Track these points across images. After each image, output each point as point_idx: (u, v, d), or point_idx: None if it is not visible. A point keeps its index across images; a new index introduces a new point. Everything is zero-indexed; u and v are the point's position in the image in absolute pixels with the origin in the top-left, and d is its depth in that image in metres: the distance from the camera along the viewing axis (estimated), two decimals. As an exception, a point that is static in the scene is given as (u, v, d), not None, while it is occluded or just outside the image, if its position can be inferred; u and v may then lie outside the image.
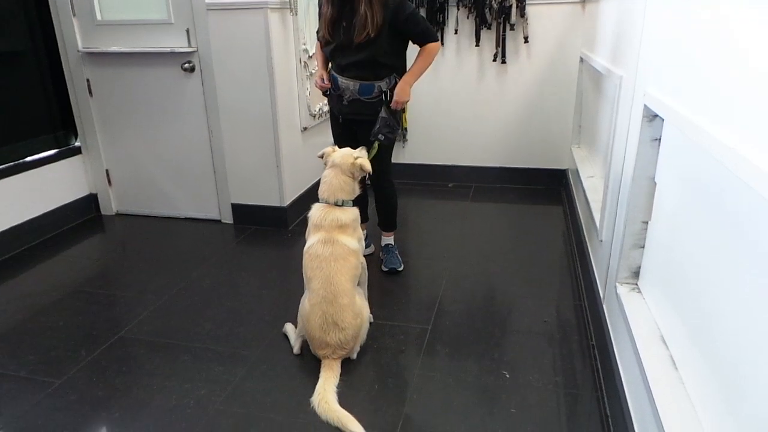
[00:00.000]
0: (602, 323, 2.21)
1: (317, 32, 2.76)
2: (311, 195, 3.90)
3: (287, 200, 3.59)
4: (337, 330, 2.07)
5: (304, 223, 3.65)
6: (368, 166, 2.35)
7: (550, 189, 4.30)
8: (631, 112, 2.02)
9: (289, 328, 2.37)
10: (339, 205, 2.26)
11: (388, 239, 3.07)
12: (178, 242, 3.48)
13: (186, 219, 3.80)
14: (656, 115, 1.75)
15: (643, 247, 1.93)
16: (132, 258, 3.28)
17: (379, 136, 2.63)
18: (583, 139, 3.96)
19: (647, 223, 1.90)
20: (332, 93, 2.77)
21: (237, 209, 3.66)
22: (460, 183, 4.45)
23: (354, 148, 2.46)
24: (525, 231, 3.62)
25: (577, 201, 3.52)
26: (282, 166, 3.46)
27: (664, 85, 1.67)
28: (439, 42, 2.74)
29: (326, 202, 2.27)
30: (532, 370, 2.15)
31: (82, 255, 3.35)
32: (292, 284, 2.86)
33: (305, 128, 3.77)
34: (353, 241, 2.24)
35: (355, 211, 2.30)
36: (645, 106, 1.78)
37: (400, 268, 2.96)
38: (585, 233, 2.97)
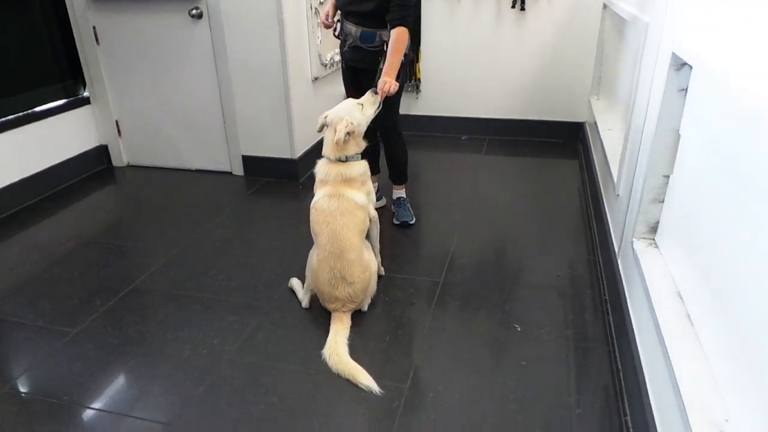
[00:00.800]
0: (616, 278, 2.18)
1: None
2: (321, 147, 3.86)
3: (298, 152, 3.55)
4: (345, 284, 2.06)
5: (314, 176, 3.70)
6: (342, 132, 2.21)
7: (567, 143, 4.20)
8: (657, 60, 1.93)
9: (294, 283, 2.37)
10: (343, 161, 2.21)
11: (399, 192, 3.04)
12: (190, 194, 3.47)
13: (197, 171, 3.78)
14: (684, 64, 1.66)
15: (663, 201, 1.88)
16: (144, 210, 3.28)
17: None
18: (603, 90, 3.84)
19: (668, 177, 1.84)
20: (338, 36, 2.71)
21: (248, 161, 3.63)
22: (473, 135, 4.36)
23: (358, 97, 2.39)
24: (539, 185, 3.55)
25: (594, 155, 3.43)
26: (292, 117, 3.40)
27: (693, 31, 1.57)
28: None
29: (329, 158, 2.22)
30: (544, 324, 2.15)
31: (94, 206, 3.36)
32: (303, 237, 2.84)
33: (316, 78, 3.68)
34: (360, 195, 2.20)
35: (362, 165, 2.25)
36: (673, 54, 1.68)
37: (412, 222, 2.94)
38: (601, 187, 2.90)
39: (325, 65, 3.76)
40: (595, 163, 3.29)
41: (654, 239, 1.93)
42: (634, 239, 1.95)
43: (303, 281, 2.32)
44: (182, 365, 1.96)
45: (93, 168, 3.81)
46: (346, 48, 2.67)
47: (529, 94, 4.18)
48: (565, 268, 2.54)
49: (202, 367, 1.96)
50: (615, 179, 2.44)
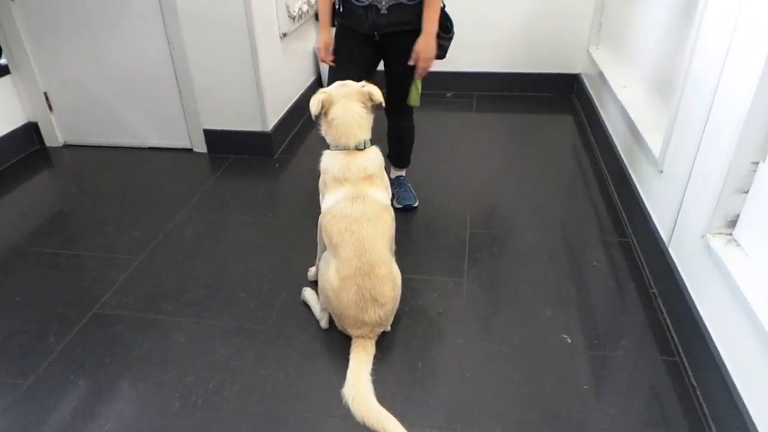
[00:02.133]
0: (670, 272, 1.91)
1: None
2: (296, 115, 3.39)
3: (270, 123, 3.06)
4: (376, 306, 1.70)
5: (292, 149, 3.27)
6: (379, 95, 1.86)
7: (559, 97, 3.86)
8: (736, 22, 1.57)
9: (308, 295, 1.98)
10: (361, 149, 1.79)
11: (398, 171, 2.64)
12: (146, 179, 2.95)
13: (150, 149, 3.23)
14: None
15: (747, 192, 1.58)
16: (93, 202, 2.74)
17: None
18: (606, 39, 3.48)
19: (757, 164, 1.54)
20: (357, 4, 2.10)
21: (211, 136, 3.11)
22: (459, 92, 3.95)
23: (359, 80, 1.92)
24: (540, 147, 3.21)
25: (602, 114, 3.11)
26: (262, 83, 2.89)
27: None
28: None
29: (345, 148, 1.79)
30: (594, 330, 1.87)
31: (30, 202, 2.80)
32: (292, 229, 2.45)
33: (285, 34, 3.14)
34: (383, 193, 1.81)
35: (379, 155, 1.85)
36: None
37: (416, 204, 2.57)
38: (625, 158, 2.59)
39: (293, 18, 3.22)
40: (607, 125, 2.97)
41: (732, 235, 1.65)
42: (708, 235, 1.66)
43: (317, 291, 1.93)
44: (173, 423, 1.57)
45: (21, 151, 3.19)
46: (382, 11, 2.08)
47: (519, 44, 3.77)
48: (599, 255, 2.25)
49: (199, 422, 1.57)
50: (656, 153, 2.13)
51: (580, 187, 2.76)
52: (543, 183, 2.81)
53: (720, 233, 1.65)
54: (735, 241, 1.62)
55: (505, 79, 3.89)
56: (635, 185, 2.37)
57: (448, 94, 3.93)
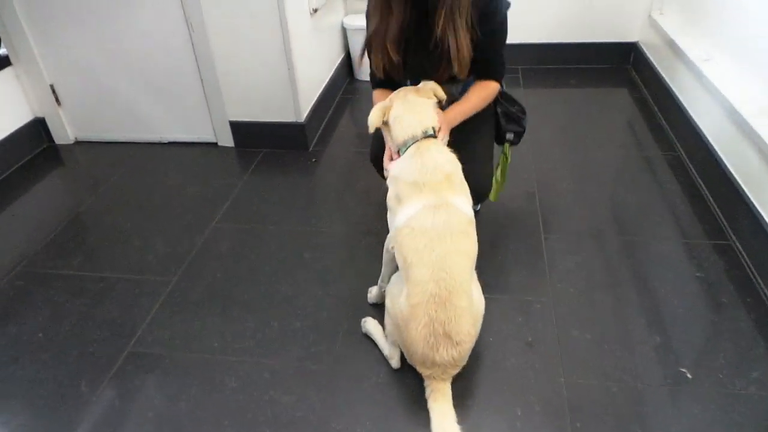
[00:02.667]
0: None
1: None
2: (328, 100, 3.05)
3: (304, 113, 2.74)
4: (449, 345, 1.40)
5: (326, 140, 2.95)
6: (441, 92, 1.62)
7: (614, 69, 3.50)
8: None
9: (372, 327, 1.71)
10: (431, 135, 1.52)
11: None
12: (169, 180, 2.65)
13: (170, 144, 2.92)
14: None
15: None
16: (113, 210, 2.45)
17: (507, 135, 1.95)
18: (671, 3, 3.09)
19: None
20: None
21: (238, 128, 2.79)
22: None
23: None
24: (601, 129, 2.88)
25: (675, 90, 2.76)
26: (295, 68, 2.55)
27: None
28: None
29: (413, 140, 1.51)
30: (714, 362, 1.59)
31: (42, 209, 2.52)
32: (342, 239, 2.16)
33: (315, 9, 2.79)
34: (466, 200, 1.50)
35: (452, 154, 1.55)
36: None
37: (478, 208, 2.26)
38: (718, 147, 2.25)
39: (324, -10, 2.86)
40: (685, 105, 2.62)
41: None
42: None
43: (382, 322, 1.66)
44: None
45: (29, 151, 2.89)
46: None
47: (567, 11, 3.39)
48: (700, 262, 1.95)
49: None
50: (774, 143, 1.81)
51: (658, 178, 2.44)
52: (615, 172, 2.49)
53: None
54: None
55: (554, 50, 3.52)
56: (737, 181, 2.06)
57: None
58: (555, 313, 1.77)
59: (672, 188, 2.36)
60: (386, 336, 1.61)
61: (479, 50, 1.64)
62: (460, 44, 1.59)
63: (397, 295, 1.49)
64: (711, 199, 2.25)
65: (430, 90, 1.61)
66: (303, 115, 2.72)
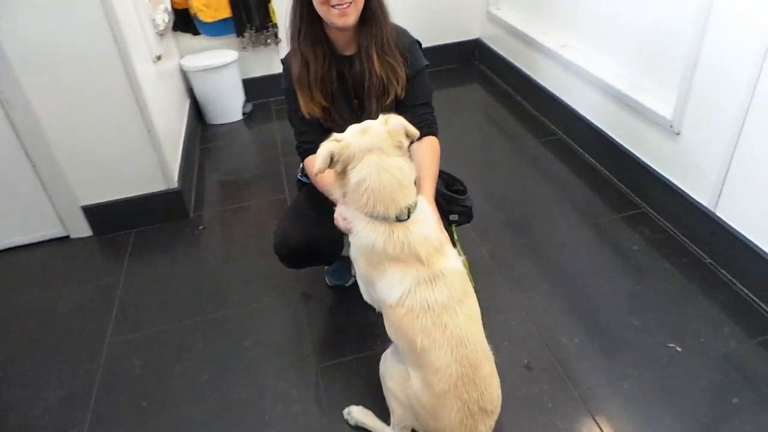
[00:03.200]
0: (728, 236, 1.76)
1: (297, 119, 1.56)
2: (191, 154, 2.65)
3: (175, 176, 2.34)
4: (486, 417, 1.24)
5: (204, 200, 2.50)
6: (413, 129, 1.29)
7: (464, 66, 3.61)
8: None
9: (361, 416, 1.47)
10: (403, 220, 1.23)
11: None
12: (24, 297, 2.06)
13: (6, 251, 2.29)
14: None
15: None
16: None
17: (451, 216, 1.63)
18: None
19: None
20: None
21: (94, 213, 2.28)
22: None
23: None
24: (473, 127, 2.95)
25: (538, 79, 2.89)
26: (155, 126, 2.15)
27: None
28: None
29: (385, 218, 1.22)
30: (689, 328, 1.65)
31: None
32: (278, 307, 1.87)
33: (159, 56, 2.40)
34: (453, 253, 1.32)
35: (433, 212, 1.34)
36: None
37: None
38: (603, 126, 2.37)
39: (161, 34, 2.48)
40: (553, 91, 2.75)
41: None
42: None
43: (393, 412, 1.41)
44: None
45: None
46: None
47: (410, 19, 3.40)
48: (629, 236, 2.04)
49: None
50: (667, 114, 1.95)
51: (547, 165, 2.53)
52: (503, 170, 2.54)
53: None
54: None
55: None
56: (632, 153, 2.19)
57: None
58: (561, 368, 1.63)
59: (565, 172, 2.46)
60: (394, 422, 1.37)
61: (409, 99, 1.54)
62: (396, 61, 1.48)
63: (404, 379, 1.28)
64: (607, 173, 2.38)
65: (402, 131, 1.25)
66: (174, 179, 2.32)
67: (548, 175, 2.46)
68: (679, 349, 1.59)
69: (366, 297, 1.39)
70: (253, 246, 2.18)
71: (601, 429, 1.41)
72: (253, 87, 3.28)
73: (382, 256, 1.23)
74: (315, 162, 1.24)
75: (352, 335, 1.75)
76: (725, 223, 1.80)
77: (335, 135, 1.26)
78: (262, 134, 3.09)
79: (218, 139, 3.05)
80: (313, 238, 1.56)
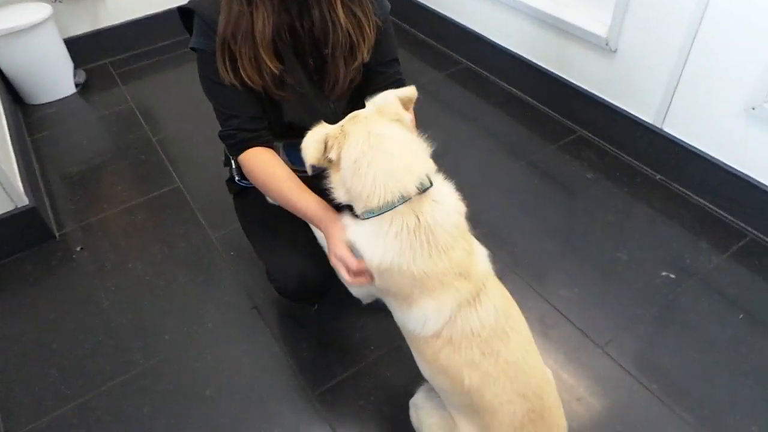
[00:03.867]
0: (676, 151, 1.78)
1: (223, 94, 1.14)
2: (25, 154, 1.94)
3: (20, 186, 1.71)
4: None
5: (69, 213, 1.88)
6: (406, 91, 1.04)
7: None
8: None
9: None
10: (427, 189, 0.94)
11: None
12: None
13: None
14: None
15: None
16: None
17: None
18: None
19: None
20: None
21: None
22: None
23: None
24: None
25: (446, 13, 2.63)
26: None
27: None
28: None
29: (401, 198, 0.91)
30: (671, 251, 1.65)
31: None
32: (220, 335, 1.50)
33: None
34: (482, 251, 1.03)
35: (458, 202, 1.01)
36: None
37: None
38: (525, 53, 2.22)
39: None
40: (462, 22, 2.52)
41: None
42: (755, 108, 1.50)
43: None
44: None
45: None
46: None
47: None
48: (581, 164, 1.96)
49: None
50: (601, 33, 1.85)
51: (466, 99, 2.35)
52: (416, 110, 2.31)
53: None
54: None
55: None
56: (562, 77, 2.08)
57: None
58: (529, 285, 1.56)
59: (483, 106, 2.30)
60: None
61: (379, 55, 1.19)
62: (361, 21, 1.12)
63: (448, 430, 1.03)
64: (534, 101, 2.26)
65: (395, 105, 0.99)
66: (21, 193, 1.69)
67: (463, 111, 2.28)
68: (672, 276, 1.58)
69: (359, 293, 1.09)
70: (162, 258, 1.71)
71: (636, 379, 1.35)
72: (80, 48, 2.56)
73: (411, 281, 0.93)
74: (307, 155, 0.94)
75: (340, 347, 1.46)
76: (674, 137, 1.80)
77: (324, 128, 0.96)
78: (111, 107, 2.43)
79: (49, 124, 2.34)
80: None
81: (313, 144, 0.95)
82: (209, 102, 1.17)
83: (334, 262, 1.01)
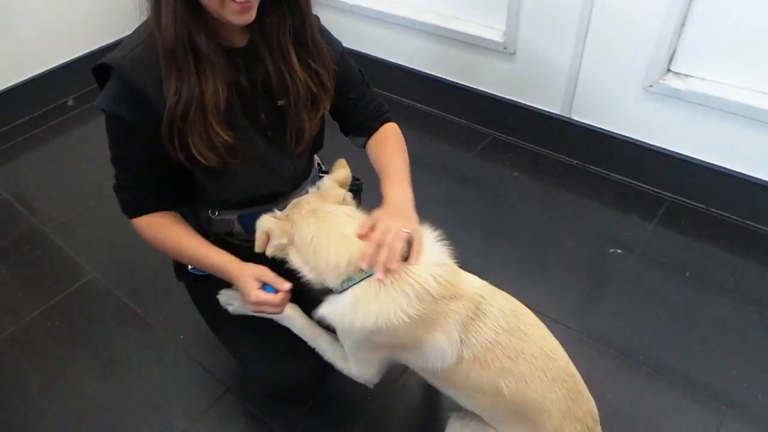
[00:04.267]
0: (590, 136, 1.91)
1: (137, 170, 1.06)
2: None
3: None
4: (596, 427, 1.03)
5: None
6: (341, 173, 1.12)
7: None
8: None
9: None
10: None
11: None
12: None
13: None
14: None
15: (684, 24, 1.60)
16: None
17: None
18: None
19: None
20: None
21: None
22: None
23: None
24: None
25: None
26: None
27: None
28: None
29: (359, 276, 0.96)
30: (612, 228, 1.76)
31: None
32: None
33: None
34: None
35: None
36: None
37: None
38: (420, 66, 2.26)
39: None
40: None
41: (673, 70, 1.69)
42: (662, 81, 1.66)
43: None
44: None
45: None
46: None
47: None
48: (502, 165, 2.03)
49: None
50: (497, 37, 1.94)
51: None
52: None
53: (673, 73, 1.68)
54: (682, 74, 1.68)
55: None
56: (467, 86, 2.14)
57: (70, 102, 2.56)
58: None
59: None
60: None
61: (350, 90, 1.16)
62: (319, 74, 1.05)
63: None
64: (445, 113, 2.31)
65: (333, 188, 1.06)
66: None
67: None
68: (620, 251, 1.68)
69: (357, 373, 1.07)
70: (100, 363, 1.48)
71: (621, 351, 1.41)
72: None
73: (413, 325, 0.93)
74: (256, 240, 0.99)
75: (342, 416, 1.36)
76: (583, 123, 1.92)
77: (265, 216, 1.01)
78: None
79: None
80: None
81: (258, 236, 1.00)
82: (110, 165, 1.05)
83: (255, 309, 1.04)
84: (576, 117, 1.94)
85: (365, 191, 1.32)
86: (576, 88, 1.88)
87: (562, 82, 1.89)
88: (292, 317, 1.10)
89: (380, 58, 2.39)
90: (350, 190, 1.12)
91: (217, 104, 0.94)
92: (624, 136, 1.86)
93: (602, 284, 1.60)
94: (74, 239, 1.87)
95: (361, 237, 0.97)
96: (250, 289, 1.01)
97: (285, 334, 1.11)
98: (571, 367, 1.00)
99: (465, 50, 2.07)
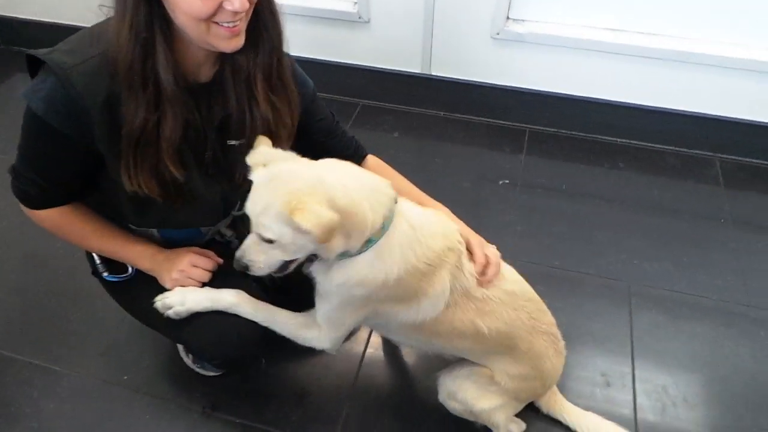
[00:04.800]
0: (443, 93, 2.09)
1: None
2: None
3: None
4: (557, 340, 1.22)
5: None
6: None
7: None
8: None
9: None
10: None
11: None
12: None
13: None
14: None
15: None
16: None
17: None
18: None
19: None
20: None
21: None
22: None
23: None
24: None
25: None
26: None
27: None
28: None
29: (390, 211, 0.97)
30: (567, 177, 1.97)
31: None
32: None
33: None
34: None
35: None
36: None
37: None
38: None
39: None
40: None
41: (512, 18, 1.92)
42: (505, 27, 1.88)
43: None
44: None
45: None
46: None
47: None
48: (385, 133, 2.12)
49: None
50: (350, 8, 1.99)
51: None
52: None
53: (512, 20, 1.90)
54: (521, 20, 1.92)
55: None
56: (328, 60, 2.17)
57: None
58: None
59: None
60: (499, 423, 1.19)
61: (327, 127, 1.18)
62: (280, 112, 1.01)
63: (489, 382, 1.14)
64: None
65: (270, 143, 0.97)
66: None
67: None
68: (507, 181, 1.90)
69: (325, 337, 1.08)
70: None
71: (559, 268, 1.63)
72: None
73: (419, 276, 0.99)
74: (315, 234, 0.82)
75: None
76: (443, 77, 2.09)
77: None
78: None
79: None
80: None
81: (322, 234, 0.83)
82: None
83: (177, 277, 1.05)
84: (435, 72, 2.09)
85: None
86: (432, 46, 2.02)
87: (418, 42, 2.02)
88: (239, 303, 1.06)
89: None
90: None
91: (171, 142, 0.89)
92: (482, 82, 2.07)
93: (505, 212, 1.80)
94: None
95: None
96: (183, 255, 1.06)
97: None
98: (530, 290, 1.14)
99: (323, 25, 2.09)
